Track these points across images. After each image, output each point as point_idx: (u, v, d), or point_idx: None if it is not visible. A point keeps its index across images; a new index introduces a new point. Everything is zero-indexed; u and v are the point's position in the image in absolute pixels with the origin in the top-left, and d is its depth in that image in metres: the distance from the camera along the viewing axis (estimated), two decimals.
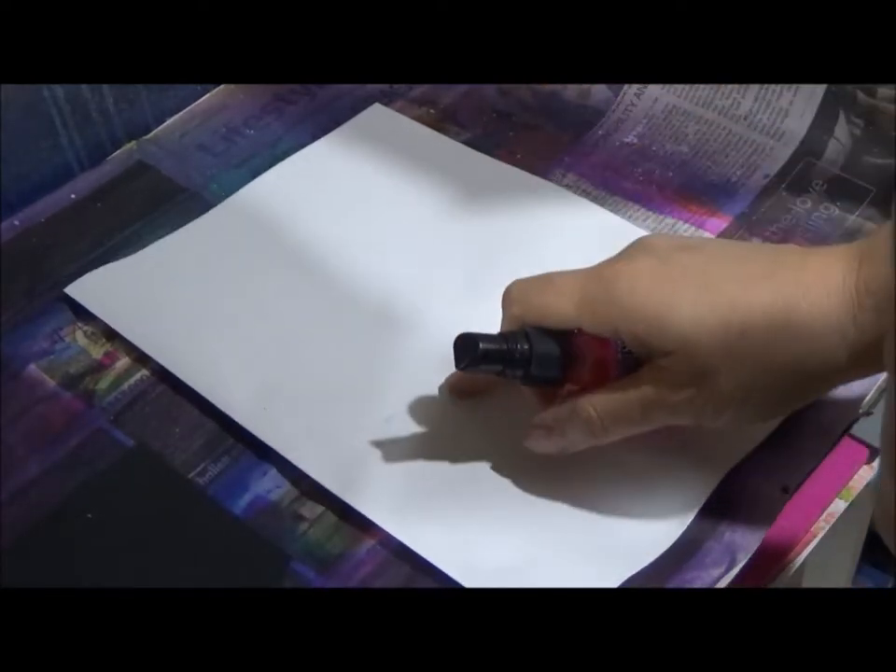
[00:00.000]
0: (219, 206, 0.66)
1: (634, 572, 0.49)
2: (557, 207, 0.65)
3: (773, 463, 0.53)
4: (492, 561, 0.50)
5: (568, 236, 0.63)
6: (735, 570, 0.49)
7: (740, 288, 0.47)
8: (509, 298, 0.51)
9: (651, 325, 0.47)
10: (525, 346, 0.49)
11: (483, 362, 0.49)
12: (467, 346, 0.49)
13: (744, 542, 0.50)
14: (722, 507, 0.52)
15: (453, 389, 0.56)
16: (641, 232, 0.62)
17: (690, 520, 0.51)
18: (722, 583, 0.49)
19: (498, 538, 0.51)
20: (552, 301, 0.50)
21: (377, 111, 0.72)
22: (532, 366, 0.49)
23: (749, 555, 0.50)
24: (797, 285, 0.47)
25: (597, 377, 0.50)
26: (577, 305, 0.49)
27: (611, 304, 0.48)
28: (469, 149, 0.69)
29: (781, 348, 0.46)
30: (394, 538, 0.51)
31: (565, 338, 0.50)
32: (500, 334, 0.50)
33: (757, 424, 0.52)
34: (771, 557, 0.51)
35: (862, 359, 0.46)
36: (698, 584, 0.49)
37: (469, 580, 0.49)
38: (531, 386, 0.52)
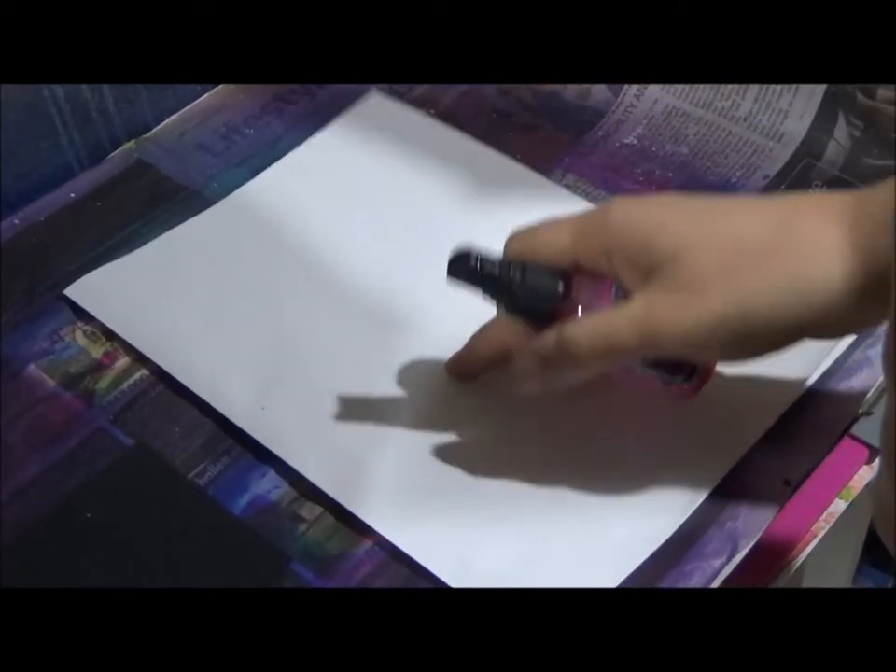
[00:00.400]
0: (219, 203, 0.66)
1: (633, 570, 0.49)
2: (557, 203, 0.65)
3: (774, 458, 0.53)
4: (488, 563, 0.50)
5: None
6: (737, 559, 0.49)
7: (735, 210, 0.47)
8: (509, 238, 0.51)
9: (642, 244, 0.47)
10: (519, 275, 0.49)
11: (473, 277, 0.50)
12: (461, 256, 0.50)
13: (746, 532, 0.50)
14: (724, 497, 0.52)
15: (451, 368, 0.56)
16: None
17: (687, 516, 0.51)
18: (724, 574, 0.49)
19: (495, 539, 0.51)
20: (549, 235, 0.50)
21: (375, 100, 0.71)
22: (522, 295, 0.49)
23: (750, 544, 0.50)
24: (794, 208, 0.46)
25: None
26: (572, 236, 0.49)
27: (605, 229, 0.48)
28: (468, 138, 0.69)
29: (777, 266, 0.45)
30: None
31: (559, 276, 0.49)
32: (498, 260, 0.50)
33: (751, 359, 0.48)
34: (771, 557, 0.51)
35: (863, 299, 0.43)
36: (699, 575, 0.49)
37: (462, 582, 0.49)
38: (519, 321, 0.51)
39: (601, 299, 0.49)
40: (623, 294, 0.48)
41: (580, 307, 0.49)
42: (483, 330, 0.54)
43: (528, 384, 0.50)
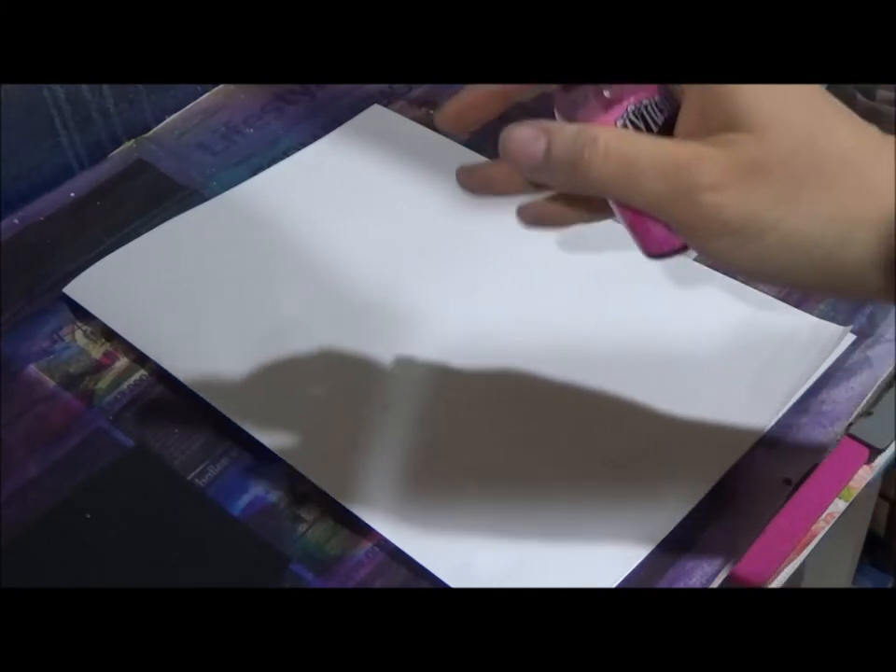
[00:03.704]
0: (215, 199, 0.66)
1: (632, 569, 0.49)
2: None
3: (774, 458, 0.53)
4: (488, 563, 0.50)
5: (565, 239, 0.63)
6: (737, 559, 0.49)
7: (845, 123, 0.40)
8: None
9: (729, 92, 0.38)
10: None
11: None
12: None
13: (746, 531, 0.50)
14: (724, 497, 0.52)
15: (447, 110, 0.46)
16: None
17: (685, 516, 0.51)
18: (724, 574, 0.49)
19: (494, 539, 0.51)
20: None
21: (376, 112, 0.72)
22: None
23: (750, 543, 0.50)
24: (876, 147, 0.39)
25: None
26: None
27: None
28: (467, 150, 0.69)
29: (832, 167, 0.38)
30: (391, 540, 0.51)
31: None
32: None
33: (765, 272, 0.40)
34: (771, 557, 0.51)
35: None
36: (699, 575, 0.49)
37: (462, 582, 0.49)
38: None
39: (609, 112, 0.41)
40: (645, 118, 0.41)
41: (606, 90, 0.41)
42: None
43: (518, 148, 0.42)
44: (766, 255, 0.39)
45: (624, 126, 0.40)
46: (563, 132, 0.40)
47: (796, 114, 0.38)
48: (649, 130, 0.40)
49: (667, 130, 0.40)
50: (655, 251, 0.42)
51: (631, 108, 0.40)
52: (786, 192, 0.38)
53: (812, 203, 0.38)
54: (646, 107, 0.40)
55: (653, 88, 0.40)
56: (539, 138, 0.41)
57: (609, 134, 0.39)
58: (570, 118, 0.42)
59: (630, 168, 0.39)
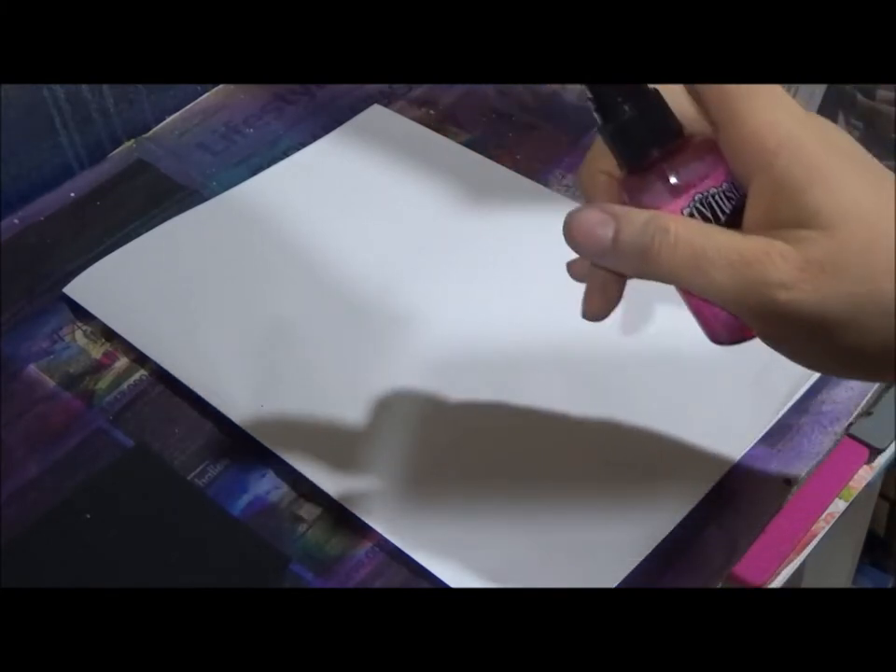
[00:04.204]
0: (215, 199, 0.66)
1: (632, 569, 0.49)
2: (553, 211, 0.65)
3: (774, 458, 0.53)
4: (488, 563, 0.50)
5: (564, 240, 0.63)
6: (737, 559, 0.49)
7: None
8: None
9: (800, 188, 0.37)
10: (641, 95, 0.41)
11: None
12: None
13: (746, 532, 0.50)
14: (724, 497, 0.52)
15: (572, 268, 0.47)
16: None
17: (685, 515, 0.51)
18: (723, 574, 0.49)
19: (495, 539, 0.51)
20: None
21: (376, 112, 0.72)
22: (630, 114, 0.40)
23: (750, 544, 0.50)
24: None
25: (692, 174, 0.40)
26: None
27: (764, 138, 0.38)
28: (467, 150, 0.69)
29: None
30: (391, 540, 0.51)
31: (680, 128, 0.41)
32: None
33: (845, 368, 0.40)
34: (771, 557, 0.51)
35: None
36: (699, 575, 0.49)
37: (462, 582, 0.49)
38: (615, 153, 0.42)
39: (717, 156, 0.40)
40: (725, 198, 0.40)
41: (674, 178, 0.40)
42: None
43: (585, 235, 0.41)
44: (845, 351, 0.38)
45: (691, 214, 0.40)
46: (632, 218, 0.40)
47: (870, 206, 0.37)
48: (716, 219, 0.40)
49: (735, 219, 0.40)
50: (723, 340, 0.42)
51: (698, 196, 0.40)
52: (864, 288, 0.37)
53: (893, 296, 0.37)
54: (713, 195, 0.40)
55: (721, 176, 0.40)
56: (608, 223, 0.40)
57: (679, 224, 0.39)
58: (637, 202, 0.41)
59: (700, 259, 0.38)
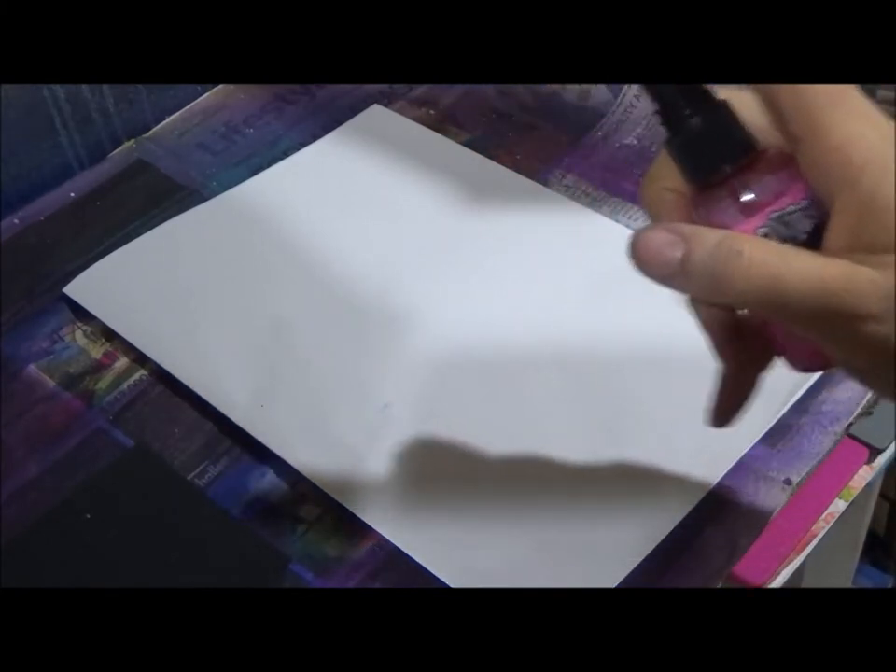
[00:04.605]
0: (215, 199, 0.66)
1: (632, 569, 0.49)
2: (553, 211, 0.65)
3: (774, 458, 0.53)
4: (488, 563, 0.50)
5: (563, 241, 0.63)
6: (737, 559, 0.49)
7: None
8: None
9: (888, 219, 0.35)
10: (712, 107, 0.39)
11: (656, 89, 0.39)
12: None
13: (746, 532, 0.50)
14: (724, 497, 0.52)
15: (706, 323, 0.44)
16: None
17: (685, 515, 0.51)
18: (723, 574, 0.49)
19: (495, 539, 0.51)
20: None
21: (376, 112, 0.72)
22: (699, 129, 0.38)
23: (750, 545, 0.50)
24: None
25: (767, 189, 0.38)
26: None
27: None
28: (467, 150, 0.69)
29: None
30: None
31: (753, 143, 0.39)
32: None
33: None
34: (771, 557, 0.51)
35: None
36: (699, 575, 0.49)
37: (462, 582, 0.49)
38: (682, 168, 0.40)
39: (793, 169, 0.37)
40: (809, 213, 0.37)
41: (747, 195, 0.38)
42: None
43: (654, 254, 0.38)
44: None
45: (767, 235, 0.37)
46: (703, 239, 0.37)
47: None
48: (794, 239, 0.37)
49: (814, 239, 0.37)
50: (801, 368, 0.40)
51: (775, 215, 0.37)
52: None
53: None
54: (790, 213, 0.37)
55: (800, 193, 0.38)
56: (677, 244, 0.38)
57: (753, 245, 0.36)
58: (707, 221, 0.39)
59: (777, 285, 0.36)
